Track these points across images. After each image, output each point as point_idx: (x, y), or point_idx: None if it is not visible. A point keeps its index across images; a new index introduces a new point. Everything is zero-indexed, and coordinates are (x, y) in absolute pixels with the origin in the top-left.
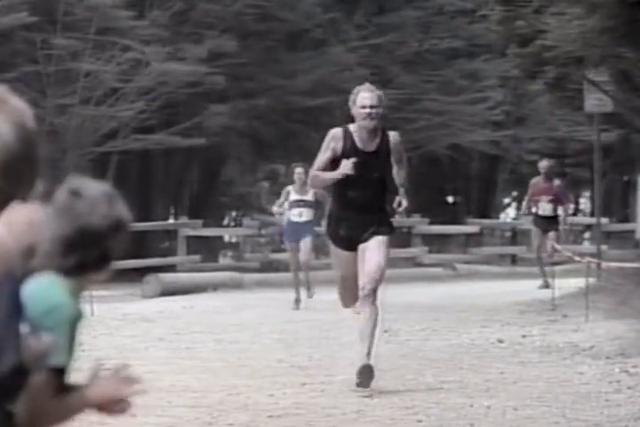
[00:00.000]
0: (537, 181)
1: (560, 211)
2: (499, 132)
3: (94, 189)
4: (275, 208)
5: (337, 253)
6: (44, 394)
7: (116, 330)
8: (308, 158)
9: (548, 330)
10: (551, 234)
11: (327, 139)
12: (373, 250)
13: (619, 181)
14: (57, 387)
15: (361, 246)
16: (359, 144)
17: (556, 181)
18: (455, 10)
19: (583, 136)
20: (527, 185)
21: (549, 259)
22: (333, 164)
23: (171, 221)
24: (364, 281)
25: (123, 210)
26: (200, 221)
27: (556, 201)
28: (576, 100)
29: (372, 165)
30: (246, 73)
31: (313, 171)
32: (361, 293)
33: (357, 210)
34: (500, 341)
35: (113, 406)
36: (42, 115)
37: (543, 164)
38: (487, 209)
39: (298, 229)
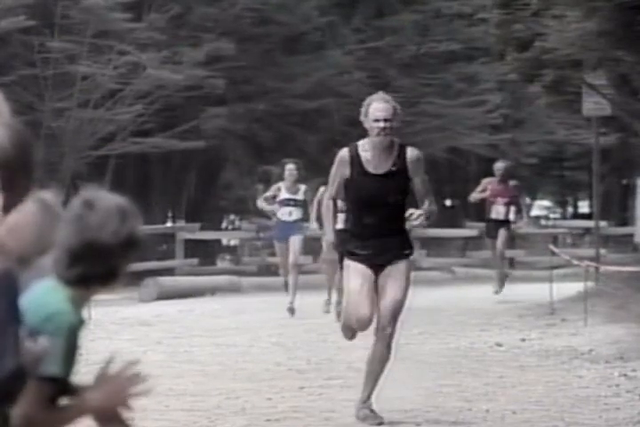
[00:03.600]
0: (490, 182)
1: (511, 215)
2: (497, 136)
3: (108, 201)
4: (260, 202)
5: (351, 265)
6: (37, 402)
7: (114, 334)
8: (305, 161)
9: (547, 334)
10: (501, 232)
11: (335, 163)
12: (393, 284)
13: (617, 184)
14: (52, 395)
15: (381, 275)
16: (368, 167)
17: (512, 183)
18: (453, 13)
19: (582, 139)
20: (526, 188)
21: (499, 261)
22: (348, 186)
23: (168, 224)
24: (383, 321)
25: (135, 226)
26: (198, 225)
27: (511, 204)
28: (574, 104)
29: (387, 188)
30: (244, 76)
31: (326, 201)
32: (380, 333)
33: (374, 237)
34: (499, 344)
35: (111, 421)
36: (39, 118)
37: (498, 165)
38: (485, 213)
39: (287, 229)
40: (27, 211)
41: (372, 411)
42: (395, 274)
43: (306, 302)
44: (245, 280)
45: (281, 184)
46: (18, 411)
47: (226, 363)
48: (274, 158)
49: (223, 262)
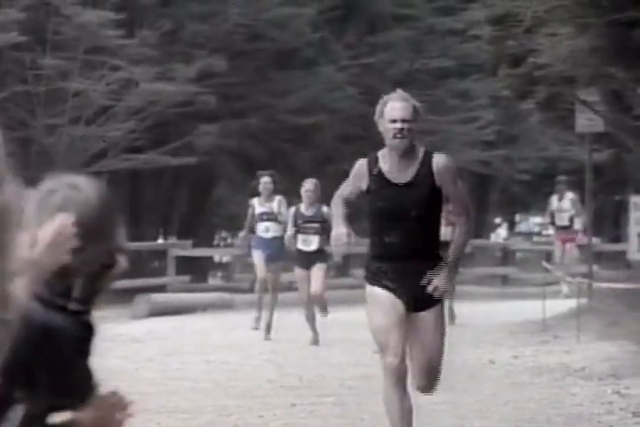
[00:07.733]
0: None
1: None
2: (490, 152)
3: None
4: (241, 236)
5: (375, 294)
6: (30, 418)
7: (106, 351)
8: (298, 177)
9: (540, 351)
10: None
11: (351, 174)
12: (429, 335)
13: (610, 200)
14: (45, 410)
15: (413, 319)
16: (389, 176)
17: None
18: (446, 29)
19: (574, 156)
20: (519, 205)
21: None
22: (366, 200)
23: (160, 241)
24: (421, 383)
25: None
26: (190, 242)
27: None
28: (567, 120)
29: (408, 200)
30: (236, 92)
31: (337, 197)
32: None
33: (399, 259)
34: (492, 361)
35: None
36: (31, 135)
37: None
38: (478, 229)
39: (265, 246)
40: (60, 224)
41: None
42: (428, 323)
43: (295, 319)
44: (237, 297)
45: (254, 200)
46: None
47: (218, 380)
48: None
49: (215, 279)
